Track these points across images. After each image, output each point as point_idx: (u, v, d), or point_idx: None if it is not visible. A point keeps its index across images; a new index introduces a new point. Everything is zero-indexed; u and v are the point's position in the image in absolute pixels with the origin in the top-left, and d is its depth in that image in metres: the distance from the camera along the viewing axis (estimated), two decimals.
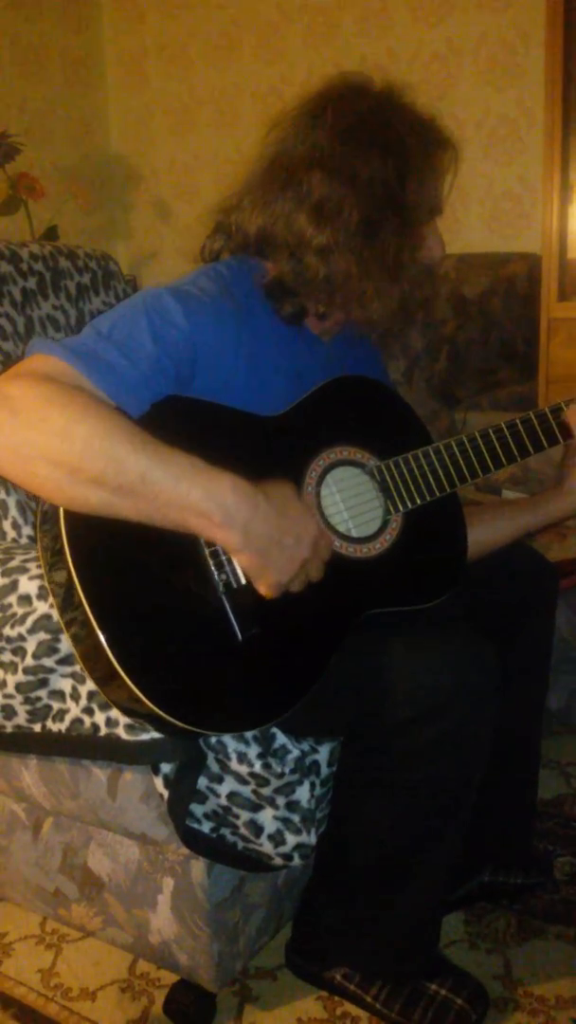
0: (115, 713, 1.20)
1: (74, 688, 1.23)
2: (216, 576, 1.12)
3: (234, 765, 1.19)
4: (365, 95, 1.23)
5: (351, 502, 1.25)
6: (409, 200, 1.21)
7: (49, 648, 1.22)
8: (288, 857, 1.24)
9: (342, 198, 1.18)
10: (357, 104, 1.22)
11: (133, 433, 1.04)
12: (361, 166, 1.18)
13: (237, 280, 1.26)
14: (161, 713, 1.05)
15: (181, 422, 1.14)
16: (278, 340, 1.27)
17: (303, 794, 1.23)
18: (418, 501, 1.27)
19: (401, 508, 1.27)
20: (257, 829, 1.21)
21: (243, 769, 1.19)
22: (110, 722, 1.21)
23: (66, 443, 1.02)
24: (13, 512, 1.41)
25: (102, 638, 1.03)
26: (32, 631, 1.22)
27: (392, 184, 1.19)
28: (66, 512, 1.06)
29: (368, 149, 1.19)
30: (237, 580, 1.12)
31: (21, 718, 1.28)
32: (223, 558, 1.12)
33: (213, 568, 1.12)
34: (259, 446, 1.19)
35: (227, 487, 1.06)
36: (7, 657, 1.24)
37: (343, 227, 1.18)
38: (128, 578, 1.09)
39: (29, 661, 1.23)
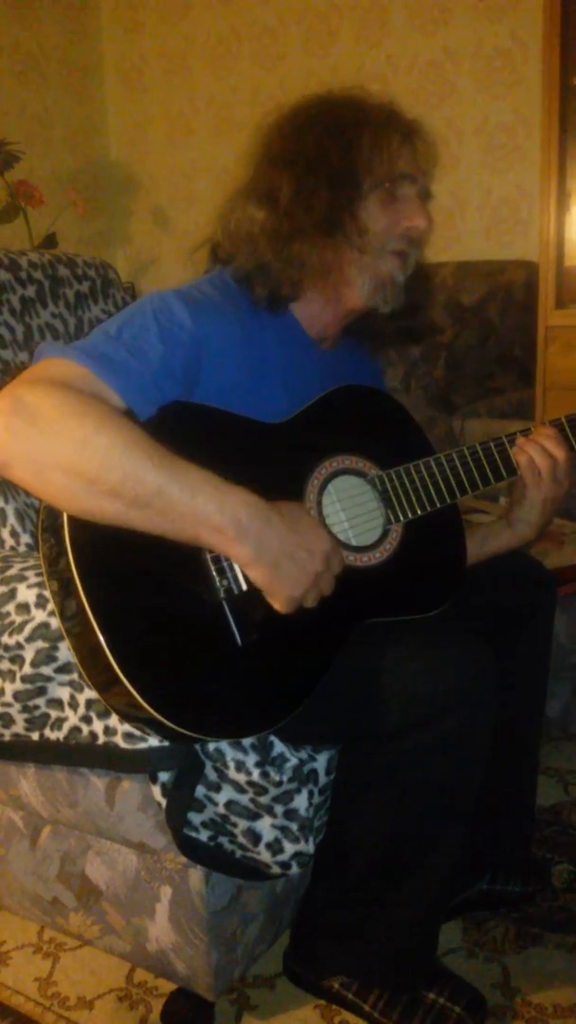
0: (113, 721, 1.20)
1: (72, 696, 1.23)
2: (217, 582, 1.12)
3: (232, 773, 1.19)
4: (315, 97, 1.30)
5: (352, 511, 1.25)
6: (351, 168, 1.24)
7: (47, 656, 1.22)
8: (286, 865, 1.24)
9: (279, 178, 1.24)
10: (304, 104, 1.29)
11: (151, 446, 1.05)
12: (298, 148, 1.25)
13: (237, 287, 1.28)
14: (160, 718, 1.05)
15: (186, 428, 1.15)
16: (278, 346, 1.28)
17: (301, 802, 1.22)
18: (419, 511, 1.28)
19: (402, 518, 1.27)
20: (255, 837, 1.21)
21: (241, 777, 1.18)
22: (108, 730, 1.21)
23: (85, 454, 1.02)
24: (11, 520, 1.41)
25: (103, 642, 1.04)
26: (30, 639, 1.22)
27: (328, 155, 1.23)
28: (69, 518, 1.07)
29: (307, 133, 1.25)
30: (238, 586, 1.13)
31: (19, 726, 1.28)
32: (224, 564, 1.13)
33: (215, 574, 1.12)
34: (262, 453, 1.20)
35: (241, 502, 1.07)
36: (5, 665, 1.24)
37: (281, 200, 1.24)
38: (129, 583, 1.09)
39: (27, 669, 1.23)
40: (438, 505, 1.28)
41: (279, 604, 1.12)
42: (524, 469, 1.31)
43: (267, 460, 1.19)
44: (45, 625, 1.21)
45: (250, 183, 1.28)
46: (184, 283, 1.29)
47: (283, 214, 1.23)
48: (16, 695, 1.25)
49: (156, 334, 1.15)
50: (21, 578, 1.26)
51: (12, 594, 1.25)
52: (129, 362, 1.12)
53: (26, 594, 1.24)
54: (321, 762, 1.27)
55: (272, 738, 1.22)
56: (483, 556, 1.43)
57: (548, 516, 1.37)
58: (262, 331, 1.26)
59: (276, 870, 1.24)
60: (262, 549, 1.08)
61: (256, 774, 1.19)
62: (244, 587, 1.13)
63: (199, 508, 1.05)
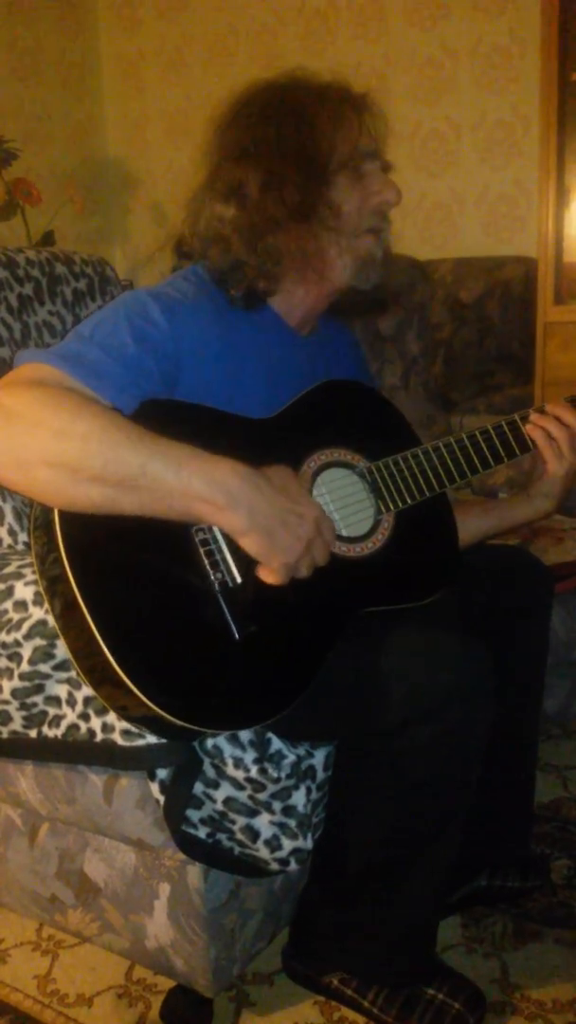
0: (111, 718, 1.20)
1: (70, 694, 1.23)
2: (212, 575, 1.12)
3: (230, 770, 1.19)
4: (261, 84, 1.29)
5: (342, 503, 1.26)
6: (315, 151, 1.23)
7: (45, 654, 1.22)
8: (284, 862, 1.24)
9: (244, 172, 1.23)
10: (252, 93, 1.27)
11: (129, 428, 1.05)
12: (257, 138, 1.23)
13: (213, 283, 1.28)
14: (160, 712, 1.05)
15: (171, 425, 1.14)
16: (257, 340, 1.28)
17: (299, 799, 1.22)
18: (408, 501, 1.28)
19: (392, 508, 1.28)
20: (253, 834, 1.21)
21: (239, 774, 1.18)
22: (106, 727, 1.21)
23: (64, 443, 1.02)
24: (9, 518, 1.41)
25: (99, 639, 1.04)
26: (28, 637, 1.22)
27: (289, 141, 1.22)
28: (60, 515, 1.07)
29: (264, 121, 1.24)
30: (233, 579, 1.13)
31: (17, 724, 1.28)
32: (218, 557, 1.13)
33: (208, 567, 1.12)
34: (250, 449, 1.20)
35: (228, 471, 1.07)
36: (3, 663, 1.24)
37: (247, 194, 1.23)
38: (124, 579, 1.09)
39: (25, 667, 1.23)
40: (427, 494, 1.29)
41: (274, 573, 1.11)
42: (541, 443, 1.31)
43: (255, 455, 1.18)
44: (43, 622, 1.21)
45: (213, 181, 1.26)
46: (159, 281, 1.28)
47: (253, 208, 1.22)
48: (14, 692, 1.25)
49: (129, 334, 1.15)
50: (19, 575, 1.26)
51: (10, 591, 1.25)
52: (103, 361, 1.12)
53: (24, 591, 1.24)
54: (319, 758, 1.27)
55: (270, 734, 1.22)
56: (503, 529, 1.46)
57: (568, 488, 1.39)
58: (240, 326, 1.26)
59: (274, 867, 1.24)
60: (255, 516, 1.08)
61: (254, 771, 1.19)
62: (238, 579, 1.13)
63: (186, 482, 1.04)
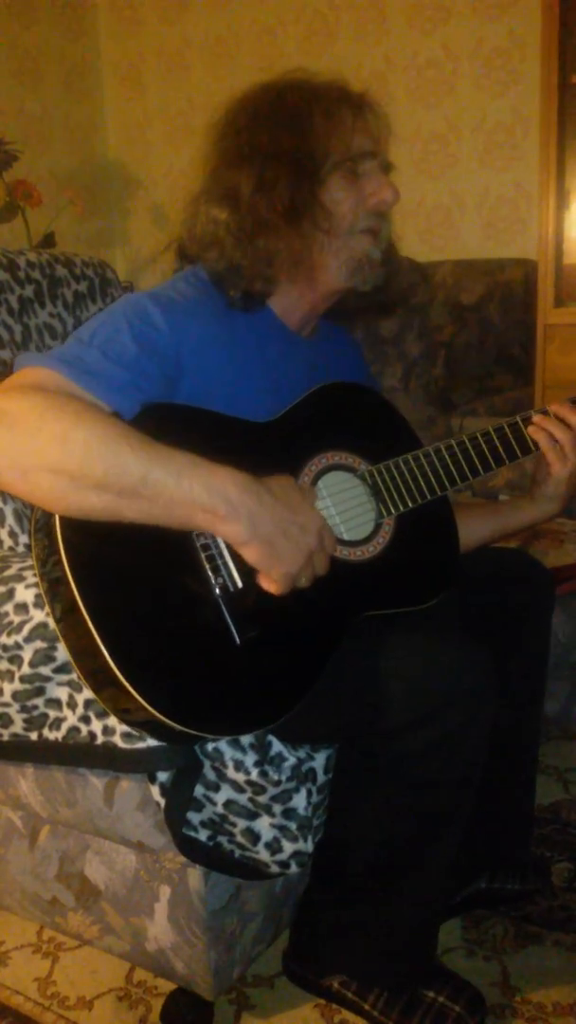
0: (112, 721, 1.20)
1: (71, 696, 1.23)
2: (213, 580, 1.12)
3: (231, 773, 1.19)
4: (257, 87, 1.28)
5: (343, 506, 1.25)
6: (308, 152, 1.22)
7: (45, 656, 1.22)
8: (285, 865, 1.24)
9: (238, 176, 1.23)
10: (248, 96, 1.27)
11: (130, 435, 1.05)
12: (251, 141, 1.23)
13: (212, 286, 1.28)
14: (161, 717, 1.05)
15: (172, 430, 1.14)
16: (257, 342, 1.28)
17: (300, 801, 1.22)
18: (409, 504, 1.28)
19: (393, 511, 1.27)
20: (254, 837, 1.21)
21: (240, 777, 1.18)
22: (107, 730, 1.21)
23: (65, 450, 1.02)
24: (10, 520, 1.41)
25: (99, 641, 1.04)
26: (28, 639, 1.22)
27: (282, 144, 1.22)
28: (61, 518, 1.06)
29: (258, 124, 1.24)
30: (234, 583, 1.13)
31: (18, 726, 1.28)
32: (219, 561, 1.13)
33: (209, 572, 1.12)
34: (251, 452, 1.20)
35: (229, 481, 1.07)
36: (3, 665, 1.24)
37: (242, 197, 1.23)
38: (124, 583, 1.09)
39: (26, 669, 1.23)
40: (428, 497, 1.28)
41: (274, 582, 1.11)
42: (545, 445, 1.31)
43: (256, 459, 1.18)
44: (43, 625, 1.21)
45: (209, 185, 1.26)
46: (160, 284, 1.28)
47: (246, 210, 1.22)
48: (15, 695, 1.25)
49: (129, 336, 1.15)
50: (19, 578, 1.26)
51: (10, 594, 1.25)
52: (103, 365, 1.12)
53: (24, 594, 1.24)
54: (319, 761, 1.27)
55: (270, 737, 1.22)
56: (508, 532, 1.47)
57: (573, 489, 1.38)
58: (240, 327, 1.26)
59: (275, 869, 1.24)
60: (255, 527, 1.08)
61: (255, 773, 1.19)
62: (239, 584, 1.13)
63: (186, 490, 1.04)
